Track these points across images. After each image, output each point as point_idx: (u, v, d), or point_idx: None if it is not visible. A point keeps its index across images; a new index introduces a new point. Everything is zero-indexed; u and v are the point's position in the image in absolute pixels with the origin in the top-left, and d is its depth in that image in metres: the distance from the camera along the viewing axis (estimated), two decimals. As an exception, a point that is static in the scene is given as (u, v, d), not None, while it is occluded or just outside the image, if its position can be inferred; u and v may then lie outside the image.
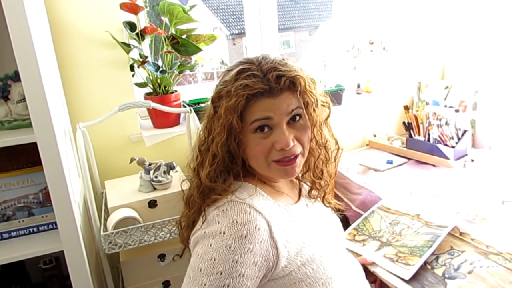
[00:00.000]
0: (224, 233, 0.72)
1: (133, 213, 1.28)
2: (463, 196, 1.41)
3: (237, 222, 0.73)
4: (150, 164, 1.40)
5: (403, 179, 1.68)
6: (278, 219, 0.78)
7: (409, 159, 1.85)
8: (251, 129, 0.78)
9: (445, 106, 1.85)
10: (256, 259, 0.72)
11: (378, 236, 1.27)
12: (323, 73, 2.13)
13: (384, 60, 2.10)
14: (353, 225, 1.35)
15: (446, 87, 1.91)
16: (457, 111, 1.77)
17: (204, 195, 0.81)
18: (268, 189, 0.85)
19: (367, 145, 2.08)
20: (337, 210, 1.03)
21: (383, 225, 1.31)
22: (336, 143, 0.93)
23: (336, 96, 1.93)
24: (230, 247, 0.70)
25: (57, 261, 1.45)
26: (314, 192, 0.96)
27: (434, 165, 1.77)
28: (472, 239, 1.20)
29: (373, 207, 1.41)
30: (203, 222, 0.78)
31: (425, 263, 1.14)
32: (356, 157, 1.96)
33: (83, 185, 1.30)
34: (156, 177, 1.39)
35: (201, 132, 0.84)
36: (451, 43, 2.11)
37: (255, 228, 0.73)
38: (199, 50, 1.45)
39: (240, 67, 0.78)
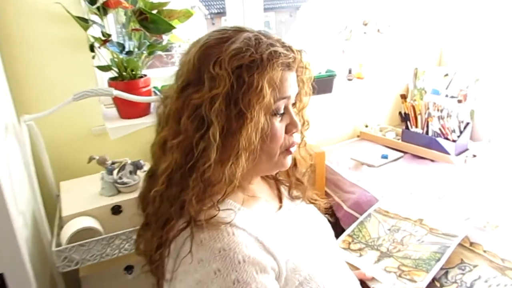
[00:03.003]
0: (219, 270, 0.59)
1: (92, 223, 1.08)
2: (470, 198, 1.26)
3: (224, 250, 0.60)
4: (113, 163, 1.19)
5: (400, 176, 1.52)
6: (265, 231, 0.66)
7: (404, 153, 1.70)
8: (273, 111, 0.66)
9: (446, 96, 1.69)
10: (266, 276, 0.62)
11: (377, 245, 1.11)
12: (311, 56, 1.94)
13: (378, 43, 1.92)
14: (348, 231, 1.19)
15: (446, 75, 1.76)
16: (459, 101, 1.62)
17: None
18: (240, 197, 0.71)
19: (358, 136, 1.92)
20: (325, 211, 0.89)
21: (381, 232, 1.16)
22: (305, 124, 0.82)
23: (326, 83, 1.75)
24: (238, 281, 0.58)
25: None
26: (295, 192, 0.84)
27: (432, 160, 1.62)
28: (484, 251, 1.06)
29: (370, 210, 1.24)
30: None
31: (433, 279, 0.99)
32: (346, 149, 1.80)
33: (30, 190, 1.09)
34: (120, 178, 1.19)
35: (214, 118, 0.62)
36: (449, 26, 1.95)
37: (247, 247, 0.61)
38: (172, 27, 1.23)
39: (249, 34, 0.65)
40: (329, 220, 0.89)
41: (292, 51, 0.67)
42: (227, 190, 0.64)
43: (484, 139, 1.78)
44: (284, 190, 0.85)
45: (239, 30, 0.66)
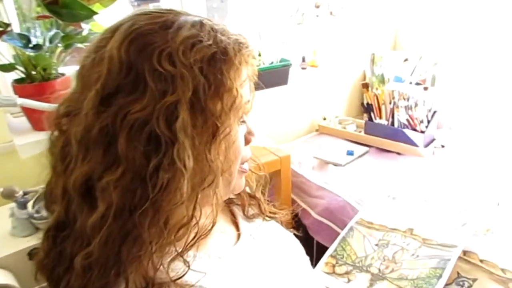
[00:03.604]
0: None
1: (3, 278, 0.80)
2: (459, 199, 1.13)
3: None
4: (25, 194, 0.91)
5: (371, 174, 1.38)
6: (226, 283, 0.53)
7: (369, 146, 1.56)
8: (239, 121, 0.54)
9: (410, 83, 1.58)
10: None
11: (366, 266, 0.94)
12: (259, 44, 1.73)
13: (331, 27, 1.76)
14: (330, 251, 1.02)
15: (406, 60, 1.64)
16: (425, 89, 1.51)
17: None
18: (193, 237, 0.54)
19: (317, 130, 1.76)
20: (289, 224, 0.76)
21: (368, 248, 0.99)
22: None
23: (281, 74, 1.56)
24: None
25: None
26: (250, 210, 0.70)
27: (399, 153, 1.50)
28: (481, 261, 0.93)
29: (351, 223, 1.08)
30: None
31: (433, 300, 0.86)
32: (306, 146, 1.63)
33: None
34: (38, 211, 0.91)
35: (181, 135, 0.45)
36: (404, 7, 1.83)
37: None
38: (92, 13, 0.95)
39: (194, 18, 0.50)
40: (296, 235, 0.75)
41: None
42: (198, 233, 0.50)
43: (445, 127, 1.71)
44: (238, 211, 0.69)
45: (176, 13, 0.50)
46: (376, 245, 0.99)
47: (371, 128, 1.57)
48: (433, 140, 1.50)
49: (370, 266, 0.94)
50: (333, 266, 0.98)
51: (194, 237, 0.49)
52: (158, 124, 0.44)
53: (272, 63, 1.59)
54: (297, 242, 0.75)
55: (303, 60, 1.75)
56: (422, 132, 1.44)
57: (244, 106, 0.52)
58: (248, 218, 0.69)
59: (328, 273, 0.96)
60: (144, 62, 0.45)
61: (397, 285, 0.88)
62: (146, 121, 0.44)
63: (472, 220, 0.98)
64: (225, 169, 0.51)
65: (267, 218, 0.72)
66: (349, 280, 0.93)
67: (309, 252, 1.34)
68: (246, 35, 0.53)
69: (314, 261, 1.03)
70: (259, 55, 1.59)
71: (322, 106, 1.78)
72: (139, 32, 0.46)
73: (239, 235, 0.64)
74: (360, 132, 1.63)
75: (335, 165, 1.45)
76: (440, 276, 0.86)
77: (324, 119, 1.77)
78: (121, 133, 0.44)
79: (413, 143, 1.45)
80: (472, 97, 1.62)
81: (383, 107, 1.53)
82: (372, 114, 1.57)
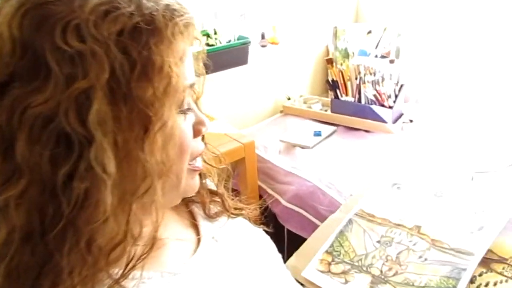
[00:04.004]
0: None
1: None
2: (475, 195, 1.00)
3: None
4: None
5: (339, 155, 1.31)
6: None
7: (336, 125, 1.49)
8: (179, 108, 0.44)
9: (376, 56, 1.51)
10: None
11: (366, 265, 0.84)
12: (215, 22, 1.60)
13: (290, 1, 1.65)
14: (326, 246, 0.91)
15: (369, 32, 1.56)
16: (391, 61, 1.44)
17: None
18: (139, 253, 0.45)
19: (281, 111, 1.67)
20: (258, 220, 0.69)
21: (369, 245, 0.88)
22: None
23: (240, 52, 1.44)
24: None
25: None
26: (213, 208, 0.60)
27: (367, 131, 1.44)
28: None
29: (349, 214, 0.97)
30: None
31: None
32: (271, 129, 1.54)
33: None
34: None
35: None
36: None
37: None
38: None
39: None
40: (266, 232, 0.68)
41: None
42: (135, 253, 0.40)
43: (412, 100, 1.66)
44: (198, 210, 0.60)
45: None
46: (378, 242, 0.88)
47: (337, 106, 1.49)
48: (401, 115, 1.44)
49: (371, 266, 0.83)
50: (329, 264, 0.88)
51: (137, 256, 0.41)
52: (67, 120, 0.34)
53: (229, 41, 1.47)
54: (267, 240, 0.67)
55: (263, 37, 1.64)
56: (390, 107, 1.39)
57: (186, 90, 0.43)
58: (210, 217, 0.60)
59: (322, 272, 0.86)
60: (44, 40, 0.34)
61: None
62: (51, 117, 0.34)
63: (490, 224, 0.85)
64: (167, 170, 0.41)
65: (232, 215, 0.63)
66: (346, 281, 0.82)
67: (280, 241, 1.26)
68: (200, 13, 0.42)
69: (286, 251, 0.95)
70: (215, 33, 1.46)
71: (286, 86, 1.69)
72: (35, 1, 0.35)
73: (199, 242, 0.55)
74: (326, 111, 1.56)
75: (303, 147, 1.36)
76: None
77: (289, 99, 1.67)
78: (20, 134, 0.35)
79: (381, 120, 1.39)
80: (437, 68, 1.58)
81: (348, 84, 1.46)
82: (338, 91, 1.49)
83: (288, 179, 1.27)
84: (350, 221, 0.94)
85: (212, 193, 0.62)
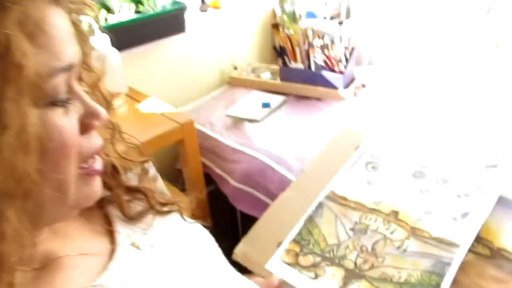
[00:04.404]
0: None
1: None
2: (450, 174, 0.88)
3: None
4: None
5: (290, 127, 1.22)
6: None
7: (286, 95, 1.39)
8: (49, 97, 0.34)
9: (325, 18, 1.40)
10: None
11: (339, 257, 0.75)
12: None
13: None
14: (293, 234, 0.80)
15: (317, -9, 1.45)
16: (340, 23, 1.34)
17: None
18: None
19: (228, 83, 1.55)
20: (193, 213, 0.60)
21: (341, 233, 0.78)
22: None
23: (174, 19, 1.29)
24: None
25: None
26: (136, 207, 0.51)
27: (318, 99, 1.36)
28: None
29: (320, 197, 0.87)
30: None
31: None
32: (218, 103, 1.42)
33: None
34: None
35: None
36: None
37: None
38: None
39: None
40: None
41: None
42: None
43: (364, 63, 1.58)
44: (115, 212, 0.50)
45: None
46: (352, 230, 0.78)
47: (286, 74, 1.39)
48: (353, 79, 1.36)
49: (344, 258, 0.74)
50: (296, 254, 0.78)
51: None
52: None
53: (164, 7, 1.31)
54: (204, 236, 0.58)
55: (203, 1, 1.49)
56: (341, 72, 1.30)
57: (55, 74, 0.34)
58: (132, 219, 0.50)
59: (289, 264, 0.76)
60: None
61: (378, 287, 0.69)
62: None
63: (475, 209, 0.76)
64: (37, 180, 0.32)
65: (161, 213, 0.53)
66: (316, 276, 0.73)
67: (233, 223, 1.18)
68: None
69: (241, 233, 0.87)
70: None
71: (231, 54, 1.56)
72: None
73: (113, 251, 0.45)
74: (276, 79, 1.45)
75: (251, 121, 1.26)
76: (438, 286, 0.66)
77: (235, 68, 1.55)
78: None
79: (332, 86, 1.31)
80: (391, 28, 1.50)
81: (297, 49, 1.35)
82: (286, 58, 1.38)
83: (236, 157, 1.17)
84: (320, 205, 0.83)
85: (132, 190, 0.52)
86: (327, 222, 0.81)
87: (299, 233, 0.80)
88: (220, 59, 1.53)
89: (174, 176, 1.27)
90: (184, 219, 0.57)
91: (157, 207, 0.53)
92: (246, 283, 0.62)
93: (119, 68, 1.08)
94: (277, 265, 0.76)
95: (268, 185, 1.06)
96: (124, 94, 1.10)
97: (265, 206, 0.94)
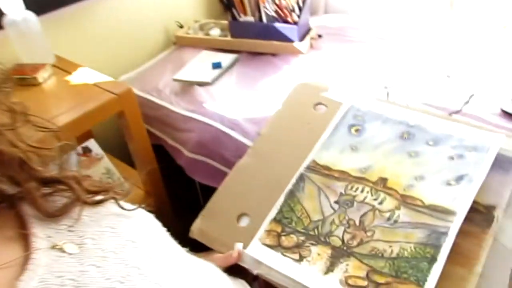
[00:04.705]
0: None
1: None
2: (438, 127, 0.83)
3: None
4: None
5: (244, 88, 1.12)
6: None
7: (238, 52, 1.28)
8: None
9: (272, -38, 1.27)
10: None
11: (324, 234, 0.69)
12: None
13: None
14: (272, 213, 0.74)
15: None
16: (290, -33, 1.22)
17: None
18: None
19: (175, 43, 1.41)
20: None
21: (326, 207, 0.72)
22: None
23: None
24: None
25: None
26: (59, 201, 0.43)
27: (273, 55, 1.25)
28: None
29: (301, 168, 0.79)
30: None
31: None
32: (164, 68, 1.29)
33: None
34: None
35: None
36: None
37: None
38: None
39: None
40: (150, 210, 0.51)
41: None
42: None
43: (320, 11, 1.48)
44: (30, 211, 0.42)
45: None
46: (337, 202, 0.72)
47: (237, 29, 1.27)
48: (308, 30, 1.26)
49: (330, 235, 0.68)
50: (278, 235, 0.70)
51: None
52: None
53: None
54: (146, 223, 0.50)
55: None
56: (295, 23, 1.19)
57: None
58: (52, 216, 0.41)
59: (271, 246, 0.69)
60: None
61: (368, 265, 0.63)
62: None
63: (471, 171, 0.70)
64: None
65: (91, 204, 0.45)
66: (301, 257, 0.67)
67: (194, 195, 1.09)
68: None
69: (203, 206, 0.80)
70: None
71: (175, 11, 1.41)
72: None
73: (27, 261, 0.37)
74: (227, 36, 1.33)
75: (201, 84, 1.15)
76: (434, 259, 0.61)
77: (181, 26, 1.41)
78: None
79: (286, 39, 1.20)
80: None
81: (245, 0, 1.22)
82: (235, 12, 1.25)
83: (188, 126, 1.07)
84: (301, 178, 0.76)
85: (52, 181, 0.43)
86: (309, 196, 0.74)
87: (280, 211, 0.73)
88: (163, 17, 1.38)
89: (124, 152, 1.16)
90: (122, 207, 0.48)
91: (84, 198, 0.44)
92: (199, 267, 0.55)
93: (39, 35, 0.93)
94: (257, 248, 0.70)
95: (224, 153, 0.98)
96: (50, 65, 0.95)
97: (223, 175, 0.86)
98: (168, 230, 0.53)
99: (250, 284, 0.73)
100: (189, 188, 1.18)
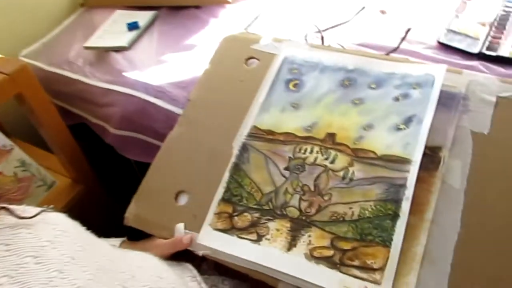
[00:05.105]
0: None
1: None
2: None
3: None
4: None
5: (167, 49, 1.00)
6: None
7: (157, 8, 1.14)
8: None
9: None
10: None
11: (279, 207, 0.63)
12: None
13: None
14: (219, 193, 0.66)
15: None
16: None
17: None
18: None
19: (82, 5, 1.23)
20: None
21: (276, 176, 0.65)
22: None
23: None
24: None
25: None
26: None
27: (197, 7, 1.12)
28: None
29: (242, 137, 0.70)
30: None
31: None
32: (73, 35, 1.12)
33: None
34: None
35: None
36: None
37: None
38: None
39: None
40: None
41: None
42: None
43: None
44: None
45: None
46: (287, 169, 0.66)
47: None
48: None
49: (286, 206, 0.62)
50: (230, 217, 0.63)
51: None
52: None
53: None
54: (55, 229, 0.42)
55: None
56: (215, -32, 1.06)
57: None
58: None
59: (224, 230, 0.62)
60: None
61: (331, 232, 0.59)
62: None
63: (419, 112, 0.65)
64: None
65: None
66: (259, 237, 0.61)
67: (133, 175, 0.99)
68: None
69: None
70: None
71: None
72: None
73: None
74: (140, -9, 1.17)
75: (117, 50, 1.01)
76: (396, 215, 0.57)
77: (86, -15, 1.23)
78: None
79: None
80: None
81: None
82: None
83: (108, 99, 0.94)
84: (244, 148, 0.68)
85: None
86: (256, 166, 0.66)
87: (227, 189, 0.65)
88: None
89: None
90: (18, 216, 0.39)
91: None
92: (128, 260, 0.47)
93: None
94: (209, 235, 0.62)
95: (153, 125, 0.88)
96: None
97: (157, 150, 0.77)
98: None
99: (199, 265, 0.67)
100: (127, 168, 1.07)
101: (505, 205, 0.58)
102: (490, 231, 0.56)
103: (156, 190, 0.72)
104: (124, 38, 1.02)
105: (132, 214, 0.71)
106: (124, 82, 0.92)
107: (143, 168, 0.77)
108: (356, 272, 0.56)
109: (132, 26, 1.05)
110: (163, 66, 0.94)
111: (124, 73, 0.94)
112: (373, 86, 0.71)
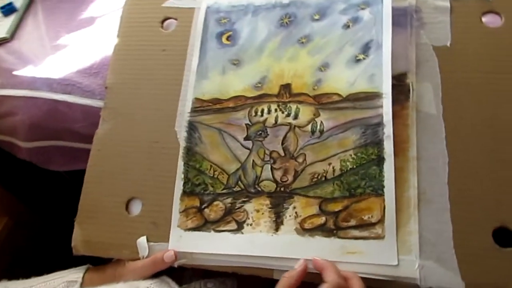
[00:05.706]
0: None
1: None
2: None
3: None
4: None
5: (62, 30, 0.81)
6: None
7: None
8: None
9: None
10: None
11: (251, 184, 0.54)
12: None
13: None
14: (178, 187, 0.56)
15: None
16: None
17: None
18: None
19: None
20: None
21: (238, 151, 0.56)
22: None
23: None
24: None
25: None
26: None
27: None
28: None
29: (185, 115, 0.57)
30: None
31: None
32: None
33: None
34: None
35: None
36: None
37: None
38: None
39: None
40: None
41: None
42: None
43: None
44: None
45: None
46: (247, 138, 0.56)
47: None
48: None
49: (259, 181, 0.54)
50: (199, 210, 0.54)
51: None
52: None
53: None
54: None
55: None
56: None
57: None
58: None
59: (196, 229, 0.54)
60: None
61: (316, 196, 0.52)
62: None
63: (376, 36, 0.58)
64: None
65: None
66: (238, 226, 0.52)
67: (66, 185, 0.84)
68: None
69: None
70: None
71: None
72: None
73: None
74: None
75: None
76: (381, 158, 0.51)
77: None
78: None
79: None
80: None
81: None
82: None
83: (6, 108, 0.76)
84: (191, 127, 0.58)
85: None
86: (212, 145, 0.56)
87: (186, 181, 0.55)
88: None
89: None
90: None
91: None
92: None
93: None
94: (181, 239, 0.53)
95: (72, 126, 0.72)
96: None
97: (88, 153, 0.63)
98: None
99: (181, 276, 0.58)
100: (58, 181, 0.91)
101: (488, 118, 0.53)
102: (477, 153, 0.52)
103: (100, 205, 0.60)
104: (1, 27, 0.82)
105: (80, 241, 0.59)
106: (18, 83, 0.74)
107: (78, 176, 0.64)
108: (355, 233, 0.51)
109: (7, 9, 0.84)
110: (62, 53, 0.77)
111: (14, 72, 0.75)
112: (316, 17, 0.62)
